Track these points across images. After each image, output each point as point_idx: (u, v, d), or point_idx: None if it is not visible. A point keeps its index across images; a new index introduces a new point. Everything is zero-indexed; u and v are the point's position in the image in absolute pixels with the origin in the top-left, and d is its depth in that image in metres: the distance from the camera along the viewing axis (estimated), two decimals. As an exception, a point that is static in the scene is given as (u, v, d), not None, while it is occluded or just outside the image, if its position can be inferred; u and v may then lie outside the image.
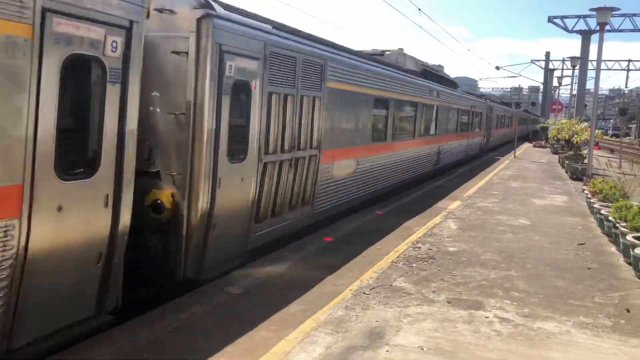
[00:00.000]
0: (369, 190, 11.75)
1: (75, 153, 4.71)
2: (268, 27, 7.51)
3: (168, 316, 5.40)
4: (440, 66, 21.54)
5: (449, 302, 6.05)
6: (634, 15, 46.45)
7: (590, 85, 48.51)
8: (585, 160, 19.38)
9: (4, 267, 3.92)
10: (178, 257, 6.04)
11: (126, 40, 4.77)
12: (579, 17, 47.83)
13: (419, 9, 25.09)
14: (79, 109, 4.75)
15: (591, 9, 16.17)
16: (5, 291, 3.98)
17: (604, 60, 57.23)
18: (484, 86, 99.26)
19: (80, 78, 4.63)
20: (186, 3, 6.01)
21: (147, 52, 5.37)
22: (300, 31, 9.14)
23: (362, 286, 6.45)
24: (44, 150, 4.10)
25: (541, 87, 65.67)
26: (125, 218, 4.96)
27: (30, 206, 4.04)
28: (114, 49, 4.65)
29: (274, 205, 7.68)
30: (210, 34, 5.96)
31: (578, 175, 18.67)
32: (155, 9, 5.85)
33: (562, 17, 49.25)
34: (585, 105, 48.90)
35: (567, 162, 21.59)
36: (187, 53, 5.94)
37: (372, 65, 11.72)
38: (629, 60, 63.47)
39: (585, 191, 13.29)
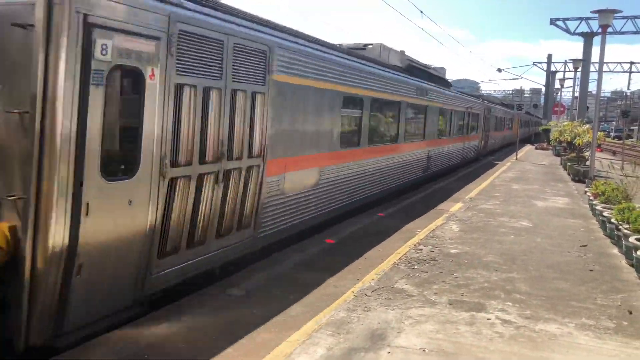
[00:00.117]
0: (338, 204, 9.94)
1: None
2: None
3: (170, 318, 5.40)
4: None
5: (450, 304, 6.04)
6: (636, 17, 46.39)
7: (592, 87, 48.53)
8: (588, 162, 19.34)
9: None
10: (18, 316, 4.40)
11: None
12: (581, 19, 47.80)
13: (421, 11, 25.04)
14: None
15: (593, 11, 16.18)
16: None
17: (606, 63, 57.28)
18: (486, 88, 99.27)
19: None
20: None
21: None
22: (234, 8, 7.07)
23: (364, 288, 6.45)
24: None
25: (543, 89, 65.61)
26: None
27: None
28: None
29: (192, 232, 5.91)
30: None
31: (580, 177, 18.63)
32: None
33: (564, 20, 49.22)
34: (588, 108, 48.87)
35: (569, 164, 21.55)
36: (33, 26, 4.32)
37: (341, 57, 9.86)
38: (631, 62, 63.44)
39: (588, 193, 13.26)
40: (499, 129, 35.16)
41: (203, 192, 5.96)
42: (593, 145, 17.18)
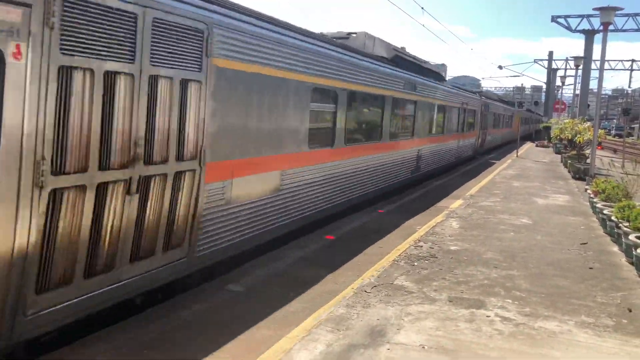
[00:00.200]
0: (307, 212, 8.56)
1: None
2: None
3: (169, 314, 5.41)
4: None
5: (450, 301, 6.04)
6: (638, 15, 46.31)
7: (593, 85, 48.43)
8: (588, 160, 19.33)
9: None
10: None
11: None
12: (582, 16, 47.74)
13: (422, 8, 24.96)
14: None
15: (595, 9, 16.12)
16: None
17: (608, 60, 57.20)
18: (487, 85, 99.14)
19: None
20: None
21: None
22: None
23: (364, 284, 6.45)
24: None
25: (544, 86, 65.54)
26: None
27: None
28: None
29: (93, 257, 4.65)
30: None
31: (580, 175, 18.63)
32: None
33: (566, 17, 49.15)
34: (588, 105, 48.80)
35: (569, 161, 21.54)
36: None
37: (309, 43, 8.33)
38: (633, 60, 63.38)
39: (588, 191, 13.26)
40: (498, 126, 33.92)
41: (107, 206, 4.67)
42: (594, 143, 17.17)
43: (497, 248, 8.59)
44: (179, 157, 5.47)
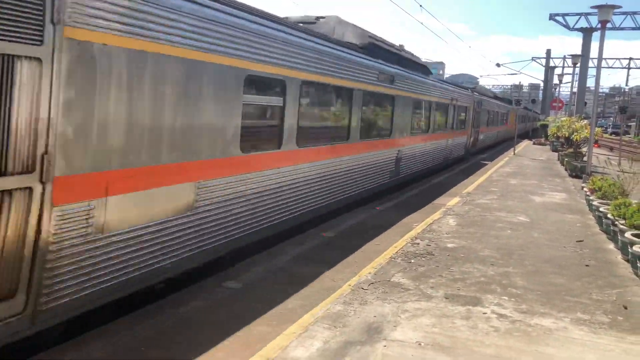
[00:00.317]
0: (234, 235, 6.64)
1: None
2: None
3: (166, 311, 5.42)
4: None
5: (447, 298, 6.06)
6: (636, 13, 46.39)
7: (590, 83, 48.50)
8: (585, 158, 19.39)
9: None
10: None
11: None
12: (580, 14, 47.82)
13: (420, 5, 24.93)
14: None
15: (593, 7, 16.14)
16: None
17: (605, 58, 57.23)
18: (485, 83, 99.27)
19: None
20: None
21: None
22: None
23: (361, 281, 6.47)
24: None
25: (541, 84, 65.61)
26: None
27: None
28: None
29: None
30: None
31: (577, 173, 18.67)
32: None
33: (564, 15, 49.23)
34: (586, 103, 48.89)
35: (566, 159, 21.59)
36: None
37: (239, 18, 6.48)
38: (630, 59, 63.52)
39: (585, 189, 13.30)
40: (492, 124, 32.37)
41: None
42: (590, 141, 17.21)
43: (494, 245, 8.62)
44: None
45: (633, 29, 47.17)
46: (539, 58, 60.69)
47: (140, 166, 5.03)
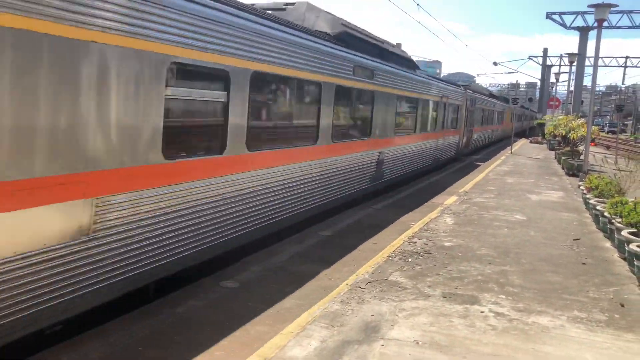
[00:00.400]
0: (163, 260, 5.49)
1: None
2: None
3: (163, 310, 5.41)
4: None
5: (444, 297, 6.07)
6: (632, 11, 46.52)
7: (587, 81, 48.71)
8: (582, 157, 19.44)
9: None
10: None
11: None
12: (577, 13, 47.93)
13: (418, 4, 24.95)
14: None
15: (589, 5, 16.18)
16: None
17: (602, 57, 57.39)
18: (482, 82, 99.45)
19: None
20: None
21: None
22: None
23: (358, 280, 6.47)
24: None
25: (538, 83, 65.73)
26: None
27: None
28: None
29: None
30: None
31: (574, 171, 18.72)
32: None
33: (560, 14, 49.34)
34: (582, 102, 49.03)
35: (563, 158, 21.64)
36: None
37: None
38: (626, 57, 63.69)
39: (581, 187, 13.33)
40: (487, 123, 31.05)
41: None
42: (587, 139, 17.26)
43: (491, 244, 8.64)
44: None
45: (629, 27, 47.31)
46: (536, 57, 60.81)
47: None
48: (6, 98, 3.79)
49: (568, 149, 23.17)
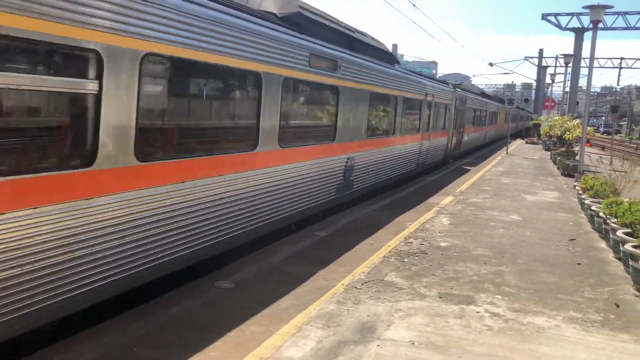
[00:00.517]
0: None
1: None
2: None
3: (158, 310, 5.38)
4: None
5: (440, 297, 6.06)
6: (627, 13, 46.74)
7: (582, 82, 48.82)
8: (577, 157, 19.50)
9: None
10: None
11: None
12: (572, 14, 48.11)
13: (414, 5, 25.04)
14: None
15: (584, 7, 16.24)
16: None
17: (597, 58, 57.55)
18: (478, 82, 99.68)
19: None
20: None
21: None
22: None
23: (354, 281, 6.46)
24: None
25: (534, 84, 65.94)
26: None
27: None
28: None
29: None
30: None
31: (569, 172, 18.79)
32: None
33: (556, 15, 49.51)
34: (578, 103, 49.23)
35: (558, 158, 21.72)
36: None
37: None
38: (621, 58, 63.97)
39: (577, 187, 13.37)
40: (479, 124, 29.41)
41: None
42: (582, 140, 17.31)
43: (487, 244, 8.64)
44: None
45: (624, 29, 47.53)
46: (532, 57, 60.99)
47: None
48: None
49: (563, 149, 23.25)
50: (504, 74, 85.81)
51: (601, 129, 69.62)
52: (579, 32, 47.75)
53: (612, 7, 16.32)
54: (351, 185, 10.77)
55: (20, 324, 4.14)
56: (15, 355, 4.36)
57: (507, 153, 28.33)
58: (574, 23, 48.05)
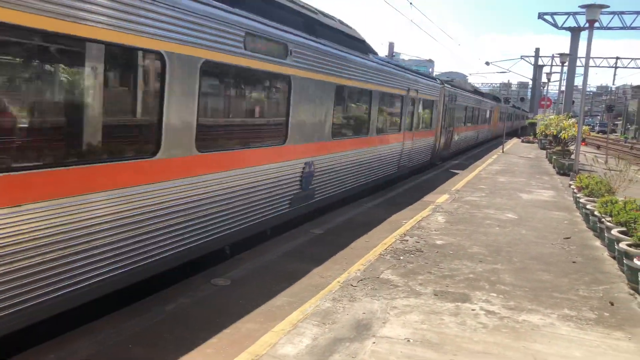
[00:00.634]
0: None
1: None
2: None
3: (153, 308, 5.36)
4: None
5: (435, 295, 6.07)
6: (623, 12, 46.85)
7: (578, 81, 49.05)
8: (572, 156, 19.56)
9: None
10: None
11: None
12: (568, 14, 48.18)
13: (410, 3, 24.99)
14: None
15: (581, 6, 16.26)
16: None
17: (593, 57, 57.78)
18: (474, 81, 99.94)
19: None
20: None
21: None
22: None
23: (350, 278, 6.46)
24: None
25: (530, 83, 66.11)
26: None
27: None
28: None
29: None
30: None
31: (565, 171, 18.85)
32: None
33: (552, 14, 49.56)
34: (573, 102, 49.39)
35: (554, 157, 21.78)
36: None
37: None
38: (617, 58, 64.09)
39: (572, 186, 13.40)
40: (472, 122, 28.04)
41: None
42: (578, 139, 17.36)
43: (483, 242, 8.66)
44: None
45: (620, 28, 47.61)
46: (528, 57, 61.11)
47: None
48: None
49: (559, 148, 23.31)
50: (501, 72, 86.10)
51: (596, 128, 69.93)
52: (575, 32, 47.81)
53: (608, 6, 16.36)
54: (311, 195, 9.16)
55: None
56: (8, 354, 4.33)
57: (503, 152, 28.40)
58: (570, 22, 48.11)
